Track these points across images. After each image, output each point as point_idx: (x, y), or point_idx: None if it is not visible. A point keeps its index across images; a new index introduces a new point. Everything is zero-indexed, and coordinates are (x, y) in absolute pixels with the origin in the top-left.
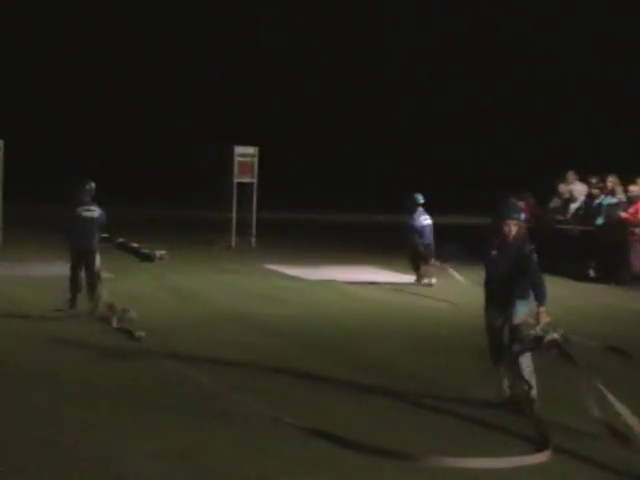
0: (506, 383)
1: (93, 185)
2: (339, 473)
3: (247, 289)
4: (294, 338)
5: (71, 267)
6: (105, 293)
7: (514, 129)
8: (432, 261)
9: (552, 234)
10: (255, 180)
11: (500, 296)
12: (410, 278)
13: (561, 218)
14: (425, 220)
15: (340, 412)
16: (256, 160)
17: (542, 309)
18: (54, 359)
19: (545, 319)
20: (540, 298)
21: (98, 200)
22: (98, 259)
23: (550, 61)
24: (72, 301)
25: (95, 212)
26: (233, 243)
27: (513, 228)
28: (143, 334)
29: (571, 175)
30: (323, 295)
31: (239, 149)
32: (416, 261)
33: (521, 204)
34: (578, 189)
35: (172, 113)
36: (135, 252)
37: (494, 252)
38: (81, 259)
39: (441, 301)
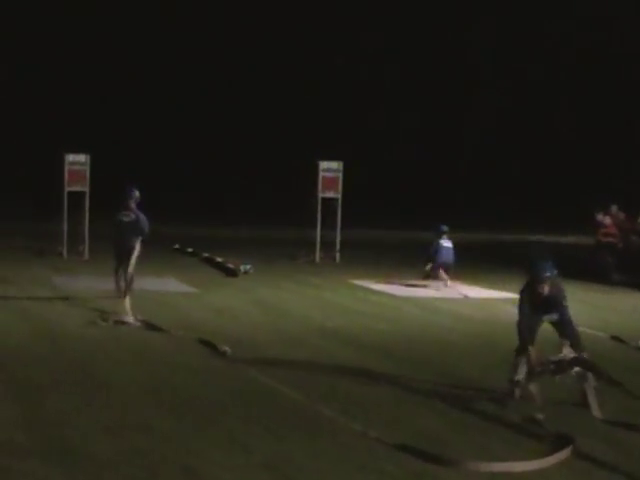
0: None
1: (137, 193)
2: None
3: (333, 303)
4: (382, 351)
5: (114, 268)
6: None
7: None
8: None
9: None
10: (340, 195)
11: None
12: (497, 294)
13: None
14: (445, 242)
15: (427, 425)
16: (341, 175)
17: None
18: (142, 371)
19: (567, 351)
20: (578, 344)
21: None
22: (133, 260)
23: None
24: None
25: (132, 217)
26: (317, 258)
27: (547, 287)
28: (228, 349)
29: None
30: (410, 310)
31: (324, 164)
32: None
33: (607, 219)
34: None
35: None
36: (220, 266)
37: (530, 304)
38: (121, 260)
39: None
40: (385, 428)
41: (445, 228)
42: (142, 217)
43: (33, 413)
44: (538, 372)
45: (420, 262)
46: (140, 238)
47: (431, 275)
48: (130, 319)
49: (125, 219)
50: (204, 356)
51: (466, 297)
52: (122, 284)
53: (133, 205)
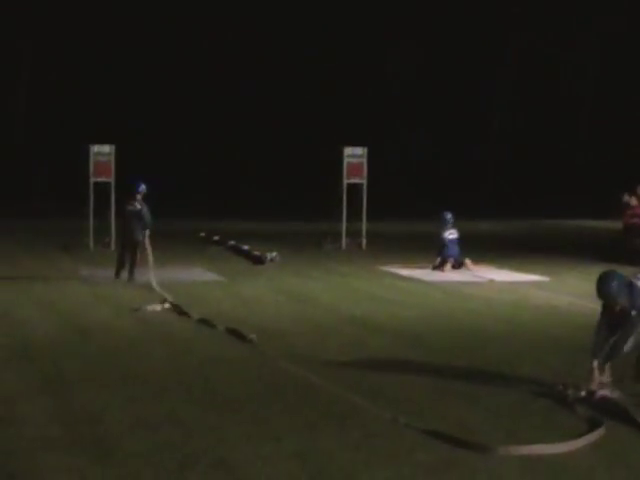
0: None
1: (144, 186)
2: (460, 476)
3: (361, 291)
4: (411, 339)
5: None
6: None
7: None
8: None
9: None
10: (365, 181)
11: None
12: (526, 277)
13: None
14: (450, 235)
15: (458, 413)
16: (365, 161)
17: (596, 364)
18: (171, 363)
19: (596, 376)
20: (607, 356)
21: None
22: (150, 258)
23: None
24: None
25: (137, 207)
26: (344, 245)
27: (618, 307)
28: (254, 337)
29: None
30: (439, 296)
31: (348, 150)
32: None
33: (632, 199)
34: None
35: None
36: (246, 254)
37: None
38: (125, 248)
39: (555, 299)
40: (415, 416)
41: (449, 216)
42: (145, 209)
43: (65, 407)
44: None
45: (431, 256)
46: (146, 231)
47: (438, 268)
48: (157, 307)
49: (130, 208)
50: (232, 346)
51: (492, 281)
52: (123, 272)
53: (139, 197)
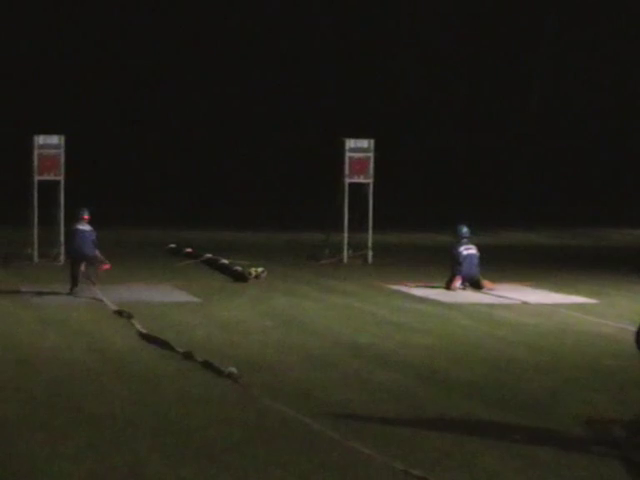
0: None
1: (87, 212)
2: None
3: (365, 314)
4: (426, 372)
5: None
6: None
7: None
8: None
9: None
10: (371, 180)
11: None
12: (563, 298)
13: None
14: (466, 250)
15: (485, 462)
16: (371, 156)
17: None
18: (133, 402)
19: None
20: None
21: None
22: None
23: None
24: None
25: (87, 227)
26: (345, 258)
27: None
28: (234, 370)
29: None
30: (458, 320)
31: (351, 142)
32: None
33: None
34: None
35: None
36: (226, 270)
37: None
38: (77, 260)
39: (603, 324)
40: (431, 466)
41: (465, 230)
42: (94, 233)
43: (3, 459)
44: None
45: (443, 271)
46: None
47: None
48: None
49: (80, 227)
50: (208, 381)
51: (526, 303)
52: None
53: (85, 221)
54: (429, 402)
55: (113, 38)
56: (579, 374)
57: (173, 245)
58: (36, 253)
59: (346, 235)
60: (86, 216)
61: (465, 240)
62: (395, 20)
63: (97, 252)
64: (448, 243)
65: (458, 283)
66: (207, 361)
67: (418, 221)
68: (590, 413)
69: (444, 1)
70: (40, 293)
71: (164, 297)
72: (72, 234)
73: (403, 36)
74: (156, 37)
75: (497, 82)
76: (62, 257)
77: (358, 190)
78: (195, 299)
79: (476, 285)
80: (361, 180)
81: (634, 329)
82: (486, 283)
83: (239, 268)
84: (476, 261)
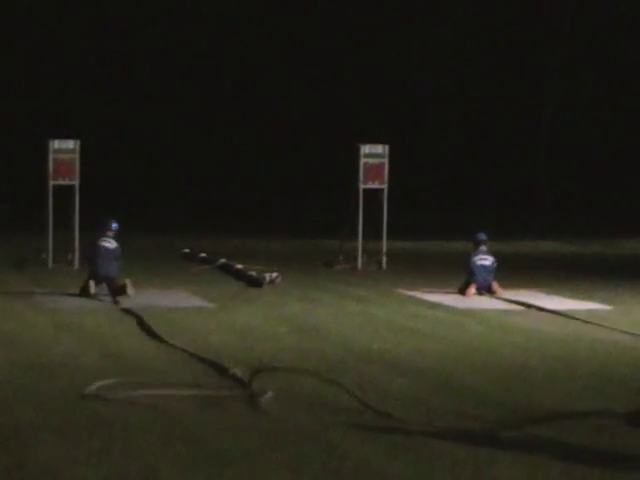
0: None
1: (117, 224)
2: None
3: (380, 320)
4: (441, 380)
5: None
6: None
7: None
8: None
9: None
10: (386, 186)
11: None
12: (584, 304)
13: None
14: (480, 261)
15: (498, 471)
16: (386, 162)
17: None
18: (146, 408)
19: None
20: None
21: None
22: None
23: None
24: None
25: (112, 243)
26: (359, 264)
27: None
28: (238, 371)
29: None
30: (472, 326)
31: (365, 148)
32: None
33: None
34: None
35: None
36: (240, 275)
37: None
38: (96, 280)
39: (618, 332)
40: (444, 475)
41: (483, 237)
42: (120, 249)
43: (19, 464)
44: None
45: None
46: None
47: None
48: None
49: (104, 244)
50: (222, 387)
51: (540, 309)
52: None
53: (111, 234)
54: (442, 409)
55: (130, 44)
56: (593, 382)
57: (187, 250)
58: (51, 258)
59: (360, 241)
60: (113, 229)
61: (483, 249)
62: (411, 30)
63: (128, 281)
64: (463, 250)
65: (472, 291)
66: (213, 361)
67: (433, 227)
68: (604, 422)
69: (457, 9)
70: (54, 297)
71: (178, 302)
72: (95, 251)
73: (418, 46)
74: (172, 44)
75: (512, 85)
76: (76, 262)
77: (373, 196)
78: (209, 304)
79: (490, 291)
80: (376, 186)
81: None
82: (497, 288)
83: (253, 273)
84: (491, 271)
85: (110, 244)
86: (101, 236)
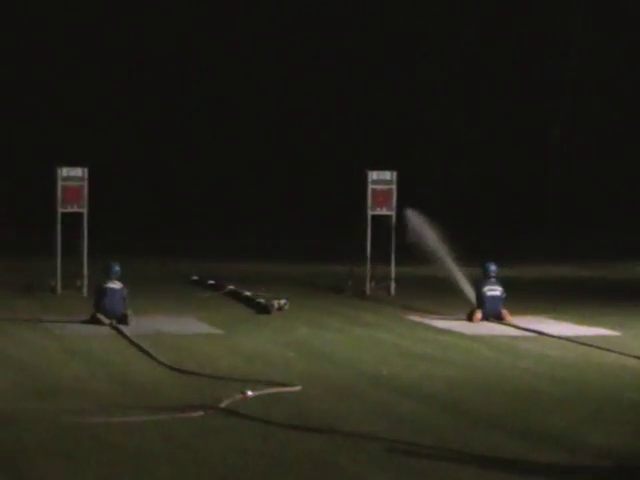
0: None
1: (117, 268)
2: None
3: (388, 345)
4: (450, 405)
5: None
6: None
7: None
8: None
9: None
10: (394, 213)
11: None
12: (593, 330)
13: None
14: (490, 291)
15: None
16: (394, 188)
17: None
18: (155, 431)
19: None
20: None
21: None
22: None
23: None
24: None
25: (117, 284)
26: (368, 289)
27: None
28: (251, 394)
29: None
30: (481, 351)
31: (373, 174)
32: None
33: None
34: None
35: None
36: (249, 301)
37: None
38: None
39: (626, 357)
40: None
41: (493, 268)
42: (125, 289)
43: None
44: None
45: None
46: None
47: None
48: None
49: (111, 285)
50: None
51: (548, 335)
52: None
53: (114, 277)
54: (452, 433)
55: (137, 68)
56: (603, 407)
57: (196, 277)
58: (59, 284)
59: (369, 266)
60: (115, 273)
61: (493, 280)
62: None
63: (129, 311)
64: (473, 276)
65: (479, 316)
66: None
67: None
68: (614, 446)
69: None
70: (63, 323)
71: (187, 329)
72: (102, 292)
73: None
74: (178, 66)
75: (519, 105)
76: (85, 288)
77: (382, 222)
78: (218, 331)
79: (499, 319)
80: (384, 212)
81: None
82: (505, 315)
83: (262, 300)
84: (500, 302)
85: (116, 285)
86: (107, 279)
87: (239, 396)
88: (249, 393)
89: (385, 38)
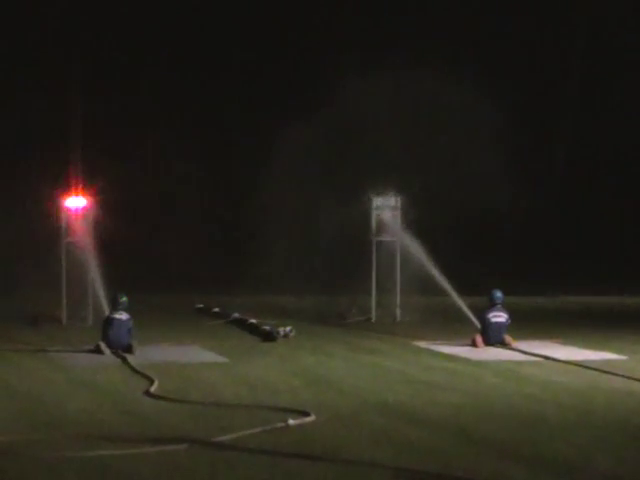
0: None
1: (125, 299)
2: None
3: (394, 372)
4: (456, 431)
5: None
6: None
7: None
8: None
9: None
10: (398, 239)
11: None
12: (598, 355)
13: None
14: (495, 318)
15: None
16: (399, 214)
17: None
18: (163, 463)
19: None
20: None
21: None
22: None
23: None
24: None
25: (124, 315)
26: (373, 316)
27: None
28: (292, 422)
29: None
30: (486, 378)
31: (377, 200)
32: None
33: None
34: None
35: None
36: (254, 330)
37: None
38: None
39: (633, 382)
40: None
41: (499, 295)
42: (131, 321)
43: None
44: None
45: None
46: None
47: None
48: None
49: (117, 317)
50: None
51: (554, 360)
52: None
53: (121, 308)
54: (458, 460)
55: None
56: (609, 432)
57: (201, 305)
58: (65, 314)
59: (374, 292)
60: (122, 303)
61: (498, 306)
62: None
63: (134, 342)
64: (479, 305)
65: (481, 340)
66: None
67: (448, 281)
68: (620, 472)
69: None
70: (68, 354)
71: (192, 357)
72: (108, 323)
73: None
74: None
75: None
76: (90, 318)
77: (386, 248)
78: (223, 359)
79: (502, 344)
80: (388, 238)
81: None
82: (508, 340)
83: (267, 328)
84: (504, 328)
85: (122, 316)
86: (113, 310)
87: (280, 424)
88: (290, 422)
89: None
